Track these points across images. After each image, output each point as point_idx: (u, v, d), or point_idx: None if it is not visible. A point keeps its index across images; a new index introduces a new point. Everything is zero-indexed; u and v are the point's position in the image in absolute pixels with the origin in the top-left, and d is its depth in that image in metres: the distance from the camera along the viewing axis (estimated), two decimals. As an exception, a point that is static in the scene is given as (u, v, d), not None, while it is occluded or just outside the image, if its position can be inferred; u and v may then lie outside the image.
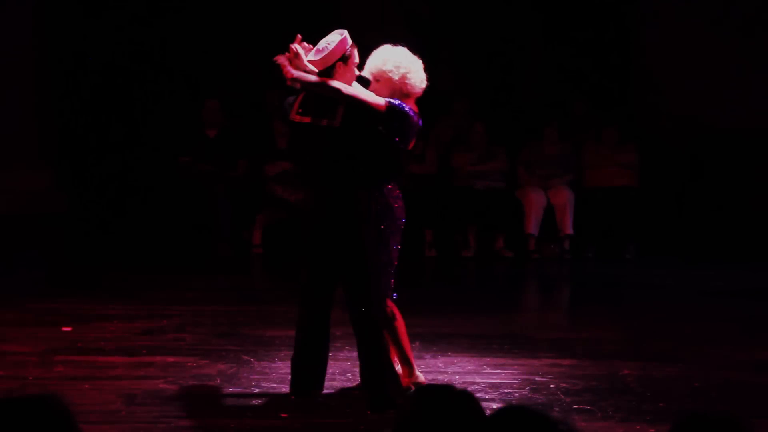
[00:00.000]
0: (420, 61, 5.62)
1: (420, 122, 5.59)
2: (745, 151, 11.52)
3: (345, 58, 5.44)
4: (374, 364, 5.38)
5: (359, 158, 5.39)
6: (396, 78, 5.51)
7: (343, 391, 5.75)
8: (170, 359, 6.26)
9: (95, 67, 11.68)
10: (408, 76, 5.52)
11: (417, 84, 5.57)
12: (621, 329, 7.55)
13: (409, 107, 5.47)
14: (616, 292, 9.40)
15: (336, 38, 5.44)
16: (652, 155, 11.51)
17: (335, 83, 5.37)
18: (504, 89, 12.36)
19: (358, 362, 6.22)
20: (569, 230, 11.01)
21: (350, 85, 5.45)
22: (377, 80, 5.55)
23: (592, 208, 11.10)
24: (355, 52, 5.53)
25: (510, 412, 2.71)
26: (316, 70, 5.44)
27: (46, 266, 9.84)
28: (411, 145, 5.61)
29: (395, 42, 5.67)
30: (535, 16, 12.46)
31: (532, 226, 10.96)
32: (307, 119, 5.43)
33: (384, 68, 5.54)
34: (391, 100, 5.42)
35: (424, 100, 5.70)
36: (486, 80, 12.27)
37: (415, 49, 5.68)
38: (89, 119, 11.60)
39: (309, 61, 5.45)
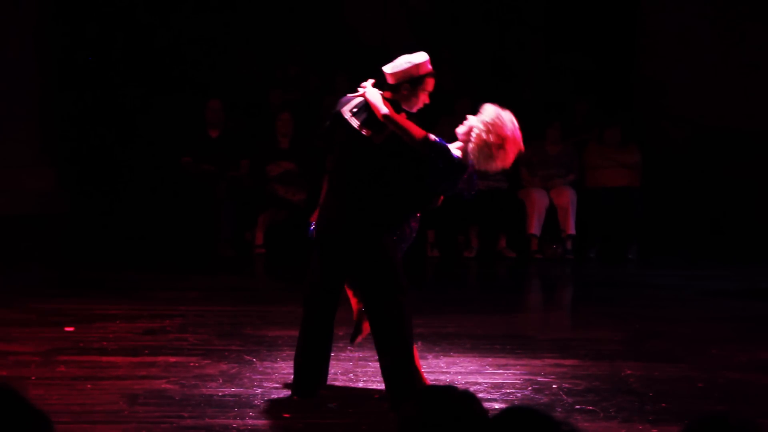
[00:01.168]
0: (507, 154, 5.29)
1: (469, 173, 5.36)
2: (746, 151, 11.52)
3: (413, 81, 5.35)
4: (401, 363, 5.34)
5: (386, 184, 5.32)
6: (473, 135, 5.28)
7: (346, 392, 5.74)
8: (172, 359, 6.26)
9: (97, 68, 11.69)
10: (480, 143, 5.25)
11: (482, 158, 5.29)
12: (623, 329, 7.55)
13: (449, 148, 5.28)
14: (618, 292, 9.39)
15: (414, 59, 5.36)
16: (654, 155, 11.51)
17: (387, 110, 5.26)
18: (506, 89, 12.35)
19: (360, 362, 6.25)
20: (571, 230, 11.01)
21: (413, 110, 5.37)
22: (467, 124, 5.37)
23: (594, 209, 11.10)
24: (430, 82, 5.38)
25: (513, 412, 2.71)
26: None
27: (48, 266, 9.84)
28: (448, 189, 5.39)
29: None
30: (537, 16, 12.46)
31: (535, 227, 10.96)
32: (355, 122, 5.39)
33: (476, 118, 5.32)
34: (432, 135, 5.26)
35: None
36: (488, 80, 12.27)
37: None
38: (91, 120, 11.60)
39: (385, 71, 5.39)
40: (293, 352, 5.69)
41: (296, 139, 11.18)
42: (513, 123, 5.34)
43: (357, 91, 5.51)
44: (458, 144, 5.39)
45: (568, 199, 11.04)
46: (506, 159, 5.35)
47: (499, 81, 12.38)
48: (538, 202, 11.00)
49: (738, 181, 11.48)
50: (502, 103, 5.51)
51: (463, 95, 11.58)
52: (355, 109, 5.43)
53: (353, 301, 5.74)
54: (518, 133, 5.35)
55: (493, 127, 5.27)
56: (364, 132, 5.34)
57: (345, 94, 5.64)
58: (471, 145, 5.31)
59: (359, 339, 5.78)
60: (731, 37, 11.66)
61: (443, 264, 10.79)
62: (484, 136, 5.27)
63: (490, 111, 5.34)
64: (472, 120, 5.36)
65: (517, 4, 12.52)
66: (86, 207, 11.38)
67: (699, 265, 10.55)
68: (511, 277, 10.58)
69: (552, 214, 11.06)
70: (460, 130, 5.39)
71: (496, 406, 5.41)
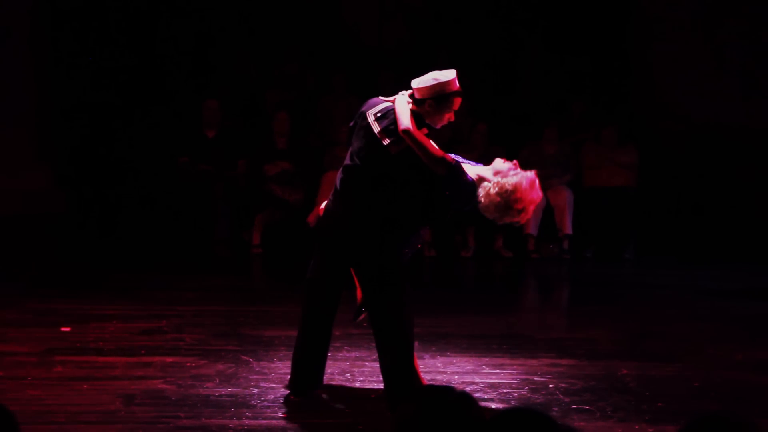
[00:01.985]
0: (501, 218, 5.24)
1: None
2: (743, 151, 11.53)
3: (438, 99, 5.26)
4: (402, 362, 5.33)
5: (396, 194, 5.28)
6: (498, 181, 5.19)
7: (342, 391, 5.75)
8: (169, 359, 6.26)
9: (94, 67, 11.69)
10: (493, 194, 5.16)
11: (484, 202, 5.22)
12: (620, 329, 7.56)
13: (465, 170, 5.22)
14: (614, 292, 9.40)
15: (441, 77, 5.28)
16: (651, 155, 11.52)
17: (408, 125, 5.17)
18: (503, 89, 12.37)
19: (357, 362, 6.26)
20: (568, 230, 11.02)
21: (437, 126, 5.32)
22: (507, 168, 5.28)
23: (591, 209, 11.11)
24: (456, 101, 5.31)
25: (514, 413, 2.71)
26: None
27: (44, 266, 9.83)
28: (459, 208, 5.38)
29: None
30: (534, 16, 12.47)
31: (532, 226, 10.97)
32: (376, 127, 5.33)
33: (514, 174, 5.23)
34: (450, 156, 5.21)
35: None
36: (485, 80, 12.27)
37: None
38: (88, 119, 11.60)
39: (413, 85, 5.31)
40: (290, 352, 5.69)
41: (293, 138, 11.18)
42: (532, 203, 5.23)
43: (389, 96, 5.45)
44: (484, 169, 5.31)
45: (565, 198, 11.05)
46: (498, 220, 5.30)
47: (497, 81, 12.39)
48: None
49: (734, 181, 11.49)
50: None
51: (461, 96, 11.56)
52: (379, 114, 5.35)
53: (357, 281, 5.70)
54: (526, 216, 5.27)
55: (512, 195, 5.16)
56: (382, 140, 5.30)
57: (377, 95, 5.55)
58: (488, 184, 5.21)
59: (362, 317, 5.72)
60: (728, 36, 11.67)
61: (440, 264, 10.79)
62: (498, 189, 5.16)
63: (524, 180, 5.21)
64: (510, 171, 5.22)
65: (515, 5, 12.52)
66: (83, 207, 11.37)
67: (695, 265, 10.56)
68: (508, 277, 10.59)
69: (549, 214, 11.06)
70: (499, 165, 5.26)
71: (493, 406, 5.42)
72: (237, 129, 11.35)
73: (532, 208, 5.27)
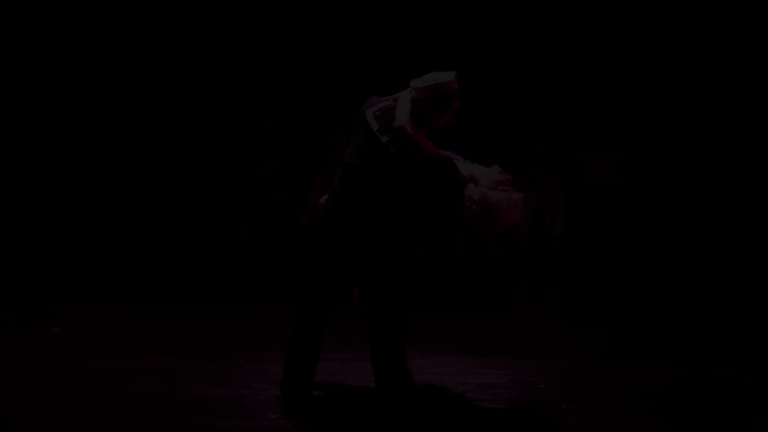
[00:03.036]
0: (471, 222, 5.24)
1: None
2: (737, 151, 11.55)
3: (436, 99, 5.27)
4: (395, 361, 5.34)
5: (395, 192, 5.29)
6: (483, 188, 5.19)
7: (334, 391, 5.75)
8: (160, 360, 6.26)
9: (85, 67, 11.67)
10: (474, 200, 5.16)
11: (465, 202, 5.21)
12: (610, 329, 7.57)
13: (458, 169, 5.23)
14: (606, 291, 9.41)
15: (440, 78, 5.29)
16: (644, 155, 11.53)
17: (403, 123, 5.18)
18: (496, 89, 12.37)
19: (348, 362, 6.27)
20: (559, 230, 11.03)
21: (434, 126, 5.33)
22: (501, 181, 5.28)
23: (582, 208, 11.12)
24: (454, 103, 5.33)
25: None
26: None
27: (35, 267, 9.82)
28: (454, 205, 5.32)
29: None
30: (529, 16, 12.48)
31: (522, 227, 10.97)
32: (375, 125, 5.31)
33: (503, 191, 5.22)
34: (444, 154, 5.24)
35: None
36: (477, 80, 12.28)
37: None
38: (78, 120, 11.58)
39: (411, 85, 5.31)
40: (281, 353, 5.69)
41: (284, 139, 11.18)
42: (505, 224, 5.22)
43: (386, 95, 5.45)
44: (477, 170, 5.31)
45: (555, 199, 11.06)
46: (468, 224, 5.29)
47: (489, 81, 12.39)
48: (525, 202, 10.99)
49: (730, 181, 11.50)
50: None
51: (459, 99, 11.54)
52: (378, 112, 5.36)
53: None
54: (496, 231, 5.27)
55: (489, 211, 5.16)
56: (381, 137, 5.30)
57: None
58: (473, 188, 5.20)
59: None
60: (725, 36, 11.68)
61: (430, 264, 10.78)
62: (479, 197, 5.15)
63: (507, 201, 5.20)
64: (500, 186, 5.21)
65: (508, 5, 12.53)
66: (74, 208, 11.34)
67: (687, 265, 10.57)
68: (499, 277, 10.59)
69: (540, 214, 11.07)
70: (493, 174, 5.27)
71: (485, 406, 5.43)
72: (228, 129, 11.33)
73: (503, 228, 5.27)
